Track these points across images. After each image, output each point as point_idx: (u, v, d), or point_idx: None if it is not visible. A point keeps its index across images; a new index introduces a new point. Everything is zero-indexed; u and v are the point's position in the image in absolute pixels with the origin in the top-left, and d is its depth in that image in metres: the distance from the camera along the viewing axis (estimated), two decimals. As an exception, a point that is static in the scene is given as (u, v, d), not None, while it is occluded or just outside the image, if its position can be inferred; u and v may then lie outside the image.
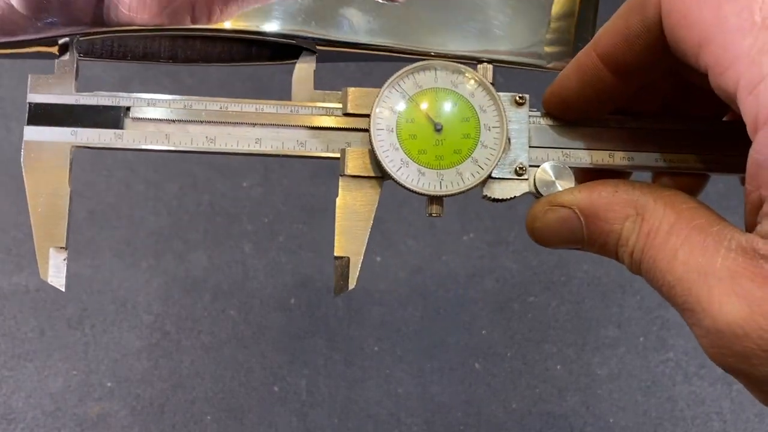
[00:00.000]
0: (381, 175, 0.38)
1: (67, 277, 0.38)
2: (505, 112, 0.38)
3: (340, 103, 0.39)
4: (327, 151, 0.38)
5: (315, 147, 0.39)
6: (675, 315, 0.32)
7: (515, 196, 0.38)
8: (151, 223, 0.95)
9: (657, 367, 0.90)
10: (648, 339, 0.92)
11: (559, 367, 0.90)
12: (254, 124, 0.38)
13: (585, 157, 0.38)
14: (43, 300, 0.90)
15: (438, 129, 0.37)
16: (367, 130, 0.38)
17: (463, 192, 0.37)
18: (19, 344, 0.89)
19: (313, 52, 0.39)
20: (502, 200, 0.38)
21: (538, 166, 0.38)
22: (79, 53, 0.39)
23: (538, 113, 0.38)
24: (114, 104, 0.38)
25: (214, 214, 0.96)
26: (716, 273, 0.29)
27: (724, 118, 0.39)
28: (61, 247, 0.38)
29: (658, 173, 0.39)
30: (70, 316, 0.90)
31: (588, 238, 0.34)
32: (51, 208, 0.38)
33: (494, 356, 0.90)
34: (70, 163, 0.38)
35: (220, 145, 0.38)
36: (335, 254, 0.38)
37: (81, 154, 0.38)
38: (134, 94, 0.38)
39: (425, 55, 0.39)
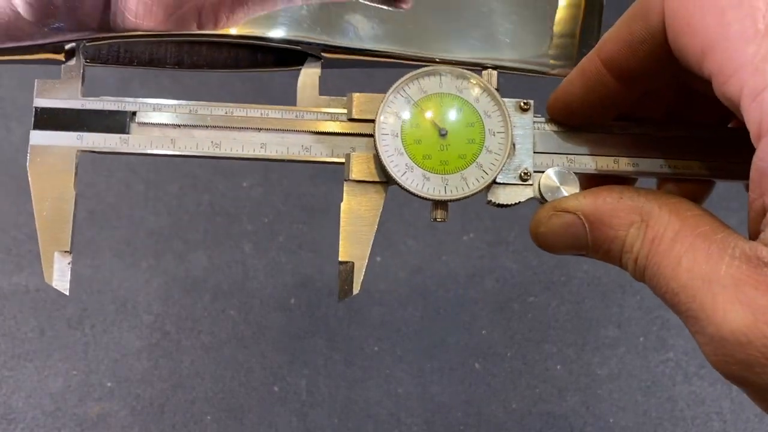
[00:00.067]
0: (386, 180, 0.38)
1: (68, 278, 0.38)
2: (509, 117, 0.38)
3: (344, 108, 0.39)
4: (332, 156, 0.39)
5: (320, 152, 0.39)
6: (675, 315, 0.32)
7: (520, 202, 0.38)
8: (151, 223, 0.95)
9: (657, 367, 0.90)
10: (648, 339, 0.92)
11: (559, 367, 0.90)
12: (259, 129, 0.38)
13: (590, 163, 0.38)
14: (43, 300, 0.90)
15: (443, 134, 0.38)
16: (371, 136, 0.38)
17: (467, 197, 0.37)
18: (19, 344, 0.89)
19: (318, 58, 0.39)
20: (507, 206, 0.38)
21: (543, 172, 0.38)
22: (86, 59, 0.39)
23: (543, 119, 0.38)
24: (120, 109, 0.38)
25: (214, 214, 0.96)
26: (720, 281, 0.29)
27: (729, 125, 0.39)
28: (65, 251, 0.38)
29: (662, 180, 0.39)
30: (70, 316, 0.90)
31: (592, 244, 0.34)
32: (56, 212, 0.38)
33: (494, 356, 0.90)
34: (76, 168, 0.38)
35: (225, 150, 0.38)
36: (340, 259, 0.38)
37: (83, 155, 0.39)
38: (140, 99, 0.38)
39: (430, 62, 0.40)
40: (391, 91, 0.38)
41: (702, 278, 0.30)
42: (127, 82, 0.98)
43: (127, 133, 0.38)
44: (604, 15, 0.42)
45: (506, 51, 0.40)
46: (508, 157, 0.38)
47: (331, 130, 0.39)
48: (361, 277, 0.38)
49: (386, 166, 0.37)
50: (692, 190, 0.39)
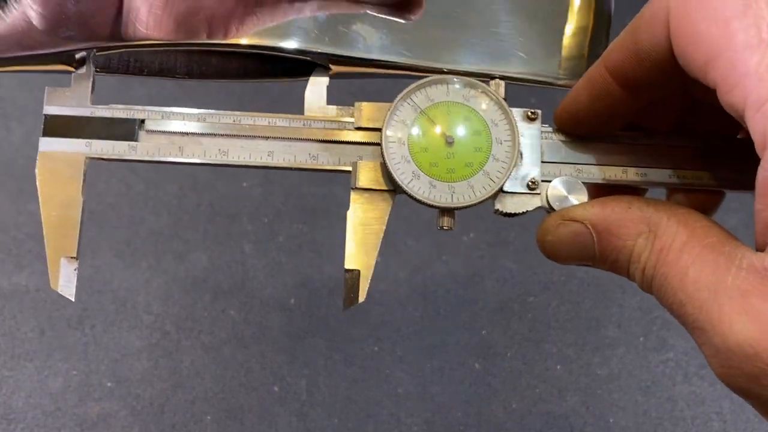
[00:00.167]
0: (392, 188, 0.38)
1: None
2: (516, 126, 0.38)
3: (352, 117, 0.39)
4: (339, 164, 0.39)
5: (327, 160, 0.39)
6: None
7: (527, 211, 0.38)
8: (151, 223, 0.95)
9: (657, 367, 0.91)
10: (648, 339, 0.92)
11: (559, 367, 0.91)
12: (267, 137, 0.38)
13: (598, 173, 0.38)
14: (43, 300, 0.90)
15: (449, 142, 0.38)
16: (379, 144, 0.38)
17: (474, 205, 0.37)
18: (19, 344, 0.89)
19: (326, 68, 0.39)
20: (515, 215, 0.38)
21: (551, 181, 0.38)
22: (96, 68, 0.39)
23: (551, 129, 0.38)
24: (129, 117, 0.38)
25: (214, 214, 0.96)
26: (727, 291, 0.29)
27: (738, 135, 0.39)
28: (72, 257, 0.38)
29: (672, 190, 0.39)
30: (70, 316, 0.90)
31: (600, 254, 0.34)
32: (64, 219, 0.38)
33: (494, 356, 0.91)
34: (84, 175, 0.38)
35: (232, 158, 0.38)
36: (345, 267, 0.38)
37: (91, 162, 0.39)
38: (149, 107, 0.38)
39: (438, 73, 0.39)
40: (398, 99, 0.38)
41: (709, 289, 0.29)
42: (127, 82, 0.98)
43: (136, 140, 0.38)
44: (612, 25, 0.42)
45: (514, 62, 0.40)
46: (515, 166, 0.38)
47: (338, 138, 0.39)
48: (367, 285, 0.38)
49: (393, 173, 0.37)
50: (701, 200, 0.39)
